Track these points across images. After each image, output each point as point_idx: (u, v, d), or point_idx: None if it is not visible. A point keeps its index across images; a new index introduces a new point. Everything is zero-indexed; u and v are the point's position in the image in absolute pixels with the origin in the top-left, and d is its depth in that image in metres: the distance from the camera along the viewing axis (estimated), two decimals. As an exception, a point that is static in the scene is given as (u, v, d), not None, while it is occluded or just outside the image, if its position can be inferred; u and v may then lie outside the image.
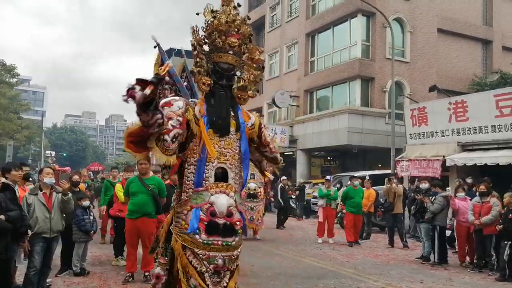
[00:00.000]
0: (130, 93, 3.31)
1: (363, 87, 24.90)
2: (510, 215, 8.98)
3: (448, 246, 11.29)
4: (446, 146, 16.57)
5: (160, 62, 6.22)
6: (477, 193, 10.55)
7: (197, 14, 4.39)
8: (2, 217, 5.75)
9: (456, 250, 11.30)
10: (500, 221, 9.33)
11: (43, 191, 6.82)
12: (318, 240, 13.83)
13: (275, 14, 32.88)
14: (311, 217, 18.72)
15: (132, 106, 3.39)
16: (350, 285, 8.30)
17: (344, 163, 28.26)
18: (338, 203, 14.53)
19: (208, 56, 4.35)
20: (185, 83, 6.06)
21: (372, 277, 9.04)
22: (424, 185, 11.65)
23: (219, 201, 4.10)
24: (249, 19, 4.54)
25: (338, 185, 17.78)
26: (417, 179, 14.31)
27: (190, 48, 4.41)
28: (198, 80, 4.33)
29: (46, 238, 6.75)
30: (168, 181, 8.97)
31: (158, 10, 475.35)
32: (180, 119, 4.01)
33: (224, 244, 4.08)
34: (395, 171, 17.98)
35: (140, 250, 8.12)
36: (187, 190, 4.18)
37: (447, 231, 11.19)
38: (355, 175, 16.06)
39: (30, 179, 9.43)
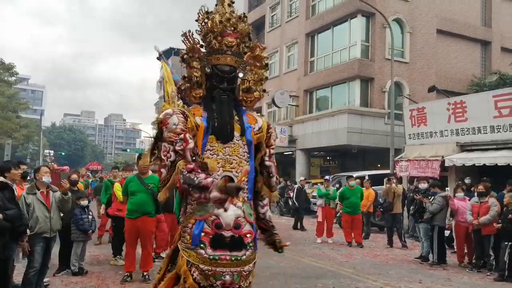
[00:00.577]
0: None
1: (362, 87, 24.93)
2: (510, 215, 8.98)
3: (446, 246, 11.27)
4: (445, 146, 16.60)
5: (170, 75, 5.99)
6: (475, 193, 10.57)
7: (196, 20, 4.19)
8: (0, 216, 5.73)
9: (455, 250, 11.29)
10: (500, 220, 9.34)
11: (41, 190, 6.81)
12: (317, 240, 13.82)
13: (275, 14, 32.90)
14: (310, 217, 18.67)
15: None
16: (349, 285, 8.29)
17: (344, 163, 28.29)
18: (337, 203, 14.54)
19: (206, 60, 4.13)
20: None
21: (371, 277, 9.04)
22: (423, 185, 11.65)
23: (225, 213, 3.77)
24: (245, 16, 4.27)
25: (337, 185, 17.78)
26: (416, 179, 14.34)
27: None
28: (189, 94, 4.13)
29: (47, 238, 6.75)
30: None
31: (158, 10, 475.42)
32: (181, 136, 3.75)
33: (233, 259, 3.77)
34: (394, 171, 18.00)
35: (138, 249, 8.11)
36: (192, 203, 3.89)
37: (446, 231, 11.19)
38: (354, 175, 16.07)
39: (28, 178, 9.43)
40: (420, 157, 17.17)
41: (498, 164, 14.04)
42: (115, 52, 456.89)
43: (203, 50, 4.16)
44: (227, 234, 3.77)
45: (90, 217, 8.45)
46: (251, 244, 3.87)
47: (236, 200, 3.82)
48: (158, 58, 6.00)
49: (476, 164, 14.98)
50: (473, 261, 10.28)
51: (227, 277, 3.76)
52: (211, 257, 3.74)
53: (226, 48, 4.09)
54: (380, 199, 14.41)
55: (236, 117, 4.07)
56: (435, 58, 26.35)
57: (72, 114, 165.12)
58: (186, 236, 3.84)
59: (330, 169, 28.88)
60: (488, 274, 9.51)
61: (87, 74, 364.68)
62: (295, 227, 16.97)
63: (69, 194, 7.16)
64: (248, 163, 4.00)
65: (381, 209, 14.38)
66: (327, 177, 15.86)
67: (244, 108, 4.23)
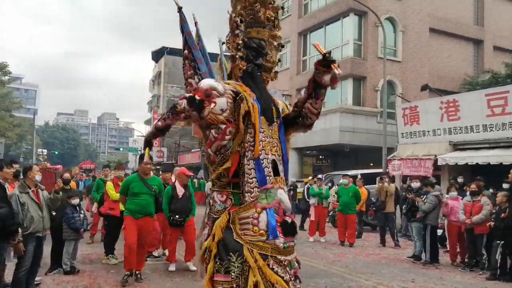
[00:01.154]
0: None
1: (355, 86, 24.96)
2: (502, 214, 9.01)
3: (439, 245, 11.30)
4: (437, 145, 16.64)
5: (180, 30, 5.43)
6: (468, 193, 10.59)
7: None
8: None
9: (448, 249, 11.32)
10: (492, 219, 9.37)
11: (31, 189, 6.76)
12: (309, 239, 13.82)
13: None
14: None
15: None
16: (341, 284, 8.29)
17: (336, 162, 28.30)
18: (329, 202, 14.53)
19: (244, 32, 3.87)
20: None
21: (363, 276, 9.03)
22: (416, 184, 11.66)
23: (285, 198, 3.65)
24: None
25: (329, 184, 17.76)
26: (408, 178, 14.36)
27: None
28: (235, 66, 3.86)
29: (39, 237, 6.71)
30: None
31: (154, 10, 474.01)
32: (223, 126, 3.59)
33: (293, 244, 3.66)
34: (387, 170, 18.02)
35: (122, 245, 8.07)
36: (251, 190, 3.60)
37: (438, 230, 11.22)
38: (347, 173, 16.08)
39: (21, 176, 9.36)
40: (413, 156, 17.20)
41: (491, 163, 14.08)
42: (109, 52, 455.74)
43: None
44: (289, 220, 3.64)
45: (81, 215, 8.37)
46: None
47: (283, 185, 3.72)
48: (179, 12, 5.32)
49: (469, 163, 15.01)
50: (466, 260, 10.30)
51: (296, 265, 3.65)
52: (285, 245, 3.56)
53: (267, 22, 3.92)
54: (373, 198, 14.42)
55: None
56: (428, 56, 26.42)
57: (66, 113, 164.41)
58: (252, 227, 3.55)
59: (322, 168, 28.86)
60: (481, 273, 9.53)
61: (81, 73, 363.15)
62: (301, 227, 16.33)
63: (61, 193, 7.11)
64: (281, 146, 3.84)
65: (374, 208, 14.40)
66: (320, 176, 15.81)
67: None
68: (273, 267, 3.47)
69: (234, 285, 3.50)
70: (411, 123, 17.98)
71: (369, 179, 16.46)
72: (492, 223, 9.27)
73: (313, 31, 27.75)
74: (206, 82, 3.74)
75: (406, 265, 10.49)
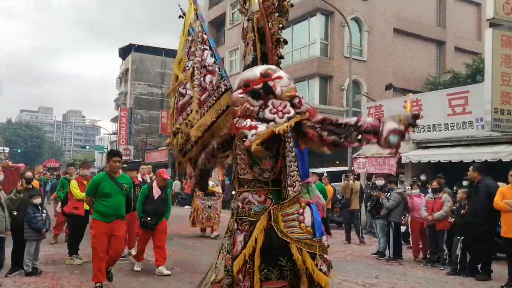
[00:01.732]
0: None
1: (321, 85, 25.14)
2: (462, 210, 9.23)
3: (402, 242, 11.50)
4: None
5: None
6: (429, 190, 10.81)
7: None
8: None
9: (411, 245, 11.53)
10: (453, 216, 9.60)
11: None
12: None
13: (235, 12, 32.79)
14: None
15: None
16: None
17: (303, 160, 28.43)
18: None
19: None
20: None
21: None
22: (380, 182, 11.85)
23: (319, 193, 3.59)
24: None
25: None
26: (373, 176, 14.55)
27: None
28: (275, 52, 3.88)
29: (1, 238, 6.56)
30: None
31: (120, 6, 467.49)
32: (299, 97, 3.86)
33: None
34: (352, 168, 18.20)
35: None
36: (294, 183, 3.43)
37: (402, 227, 11.41)
38: (314, 171, 16.17)
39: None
40: (378, 154, 17.40)
41: (452, 161, 14.37)
42: (75, 48, 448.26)
43: None
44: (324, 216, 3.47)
45: (44, 215, 8.17)
46: None
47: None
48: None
49: (431, 161, 15.29)
50: (428, 256, 10.51)
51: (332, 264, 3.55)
52: (328, 243, 3.47)
53: (286, 11, 3.96)
54: (339, 196, 14.56)
55: None
56: (392, 57, 26.84)
57: (29, 111, 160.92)
58: (299, 224, 3.36)
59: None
60: (442, 268, 9.74)
61: (46, 70, 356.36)
62: None
63: (21, 194, 6.97)
64: None
65: (339, 206, 14.54)
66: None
67: None
68: (321, 267, 3.36)
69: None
70: (376, 121, 18.16)
71: (335, 177, 16.62)
72: (453, 219, 9.52)
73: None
74: (304, 103, 3.92)
75: (371, 261, 10.64)
